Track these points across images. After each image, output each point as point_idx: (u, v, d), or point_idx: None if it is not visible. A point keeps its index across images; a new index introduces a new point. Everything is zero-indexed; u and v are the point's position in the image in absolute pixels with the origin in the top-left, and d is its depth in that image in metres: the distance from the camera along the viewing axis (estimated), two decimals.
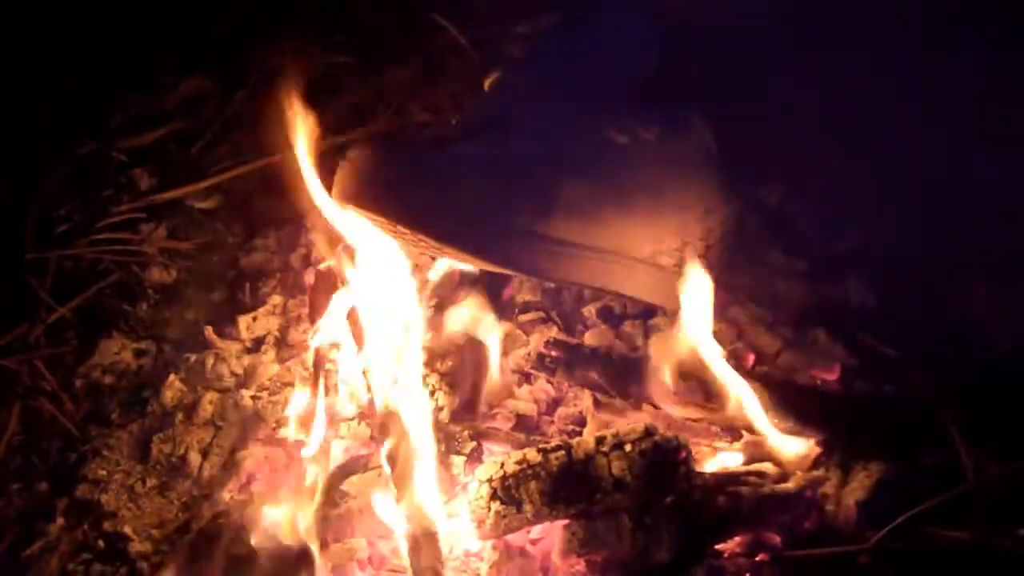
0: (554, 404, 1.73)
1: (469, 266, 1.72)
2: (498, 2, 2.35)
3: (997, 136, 1.98)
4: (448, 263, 1.76)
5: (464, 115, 1.75)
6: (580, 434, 1.63)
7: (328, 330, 1.70)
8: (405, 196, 1.41)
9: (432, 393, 1.68)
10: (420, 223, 1.40)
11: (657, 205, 1.52)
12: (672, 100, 1.60)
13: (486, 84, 1.69)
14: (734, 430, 1.57)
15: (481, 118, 1.62)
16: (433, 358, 1.67)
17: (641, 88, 1.61)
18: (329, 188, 1.46)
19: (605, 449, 1.41)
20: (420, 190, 1.41)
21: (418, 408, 1.55)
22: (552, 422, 1.70)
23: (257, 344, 1.94)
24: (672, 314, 1.56)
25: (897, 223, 1.92)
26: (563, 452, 1.41)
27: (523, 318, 1.89)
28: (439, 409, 1.66)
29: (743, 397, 1.51)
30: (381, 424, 1.47)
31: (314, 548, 1.43)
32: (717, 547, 1.42)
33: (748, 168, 1.79)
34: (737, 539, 1.43)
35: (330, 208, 1.49)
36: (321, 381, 1.64)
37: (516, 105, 1.60)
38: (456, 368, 1.70)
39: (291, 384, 1.82)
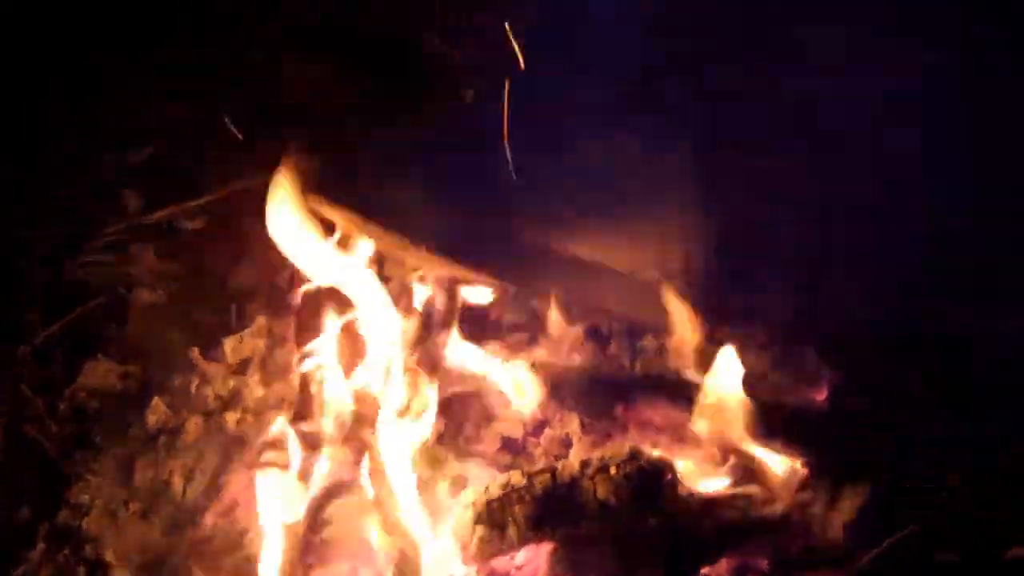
0: (540, 426, 1.72)
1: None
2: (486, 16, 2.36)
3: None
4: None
5: (443, 124, 1.76)
6: (567, 457, 1.62)
7: (314, 353, 1.69)
8: (374, 194, 1.42)
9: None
10: (387, 220, 1.41)
11: (636, 217, 1.53)
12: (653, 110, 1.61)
13: (466, 95, 1.71)
14: (722, 451, 1.56)
15: (460, 127, 1.64)
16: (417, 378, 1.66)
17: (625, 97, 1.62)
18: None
19: (590, 472, 1.40)
20: (389, 190, 1.43)
21: (403, 430, 1.54)
22: (538, 444, 1.69)
23: (242, 366, 1.92)
24: (656, 331, 1.55)
25: (883, 230, 1.92)
26: (548, 475, 1.40)
27: (510, 339, 1.87)
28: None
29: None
30: (363, 447, 1.46)
31: None
32: (704, 571, 1.41)
33: (732, 183, 1.78)
34: (724, 563, 1.42)
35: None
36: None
37: (495, 115, 1.61)
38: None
39: (276, 407, 1.80)
